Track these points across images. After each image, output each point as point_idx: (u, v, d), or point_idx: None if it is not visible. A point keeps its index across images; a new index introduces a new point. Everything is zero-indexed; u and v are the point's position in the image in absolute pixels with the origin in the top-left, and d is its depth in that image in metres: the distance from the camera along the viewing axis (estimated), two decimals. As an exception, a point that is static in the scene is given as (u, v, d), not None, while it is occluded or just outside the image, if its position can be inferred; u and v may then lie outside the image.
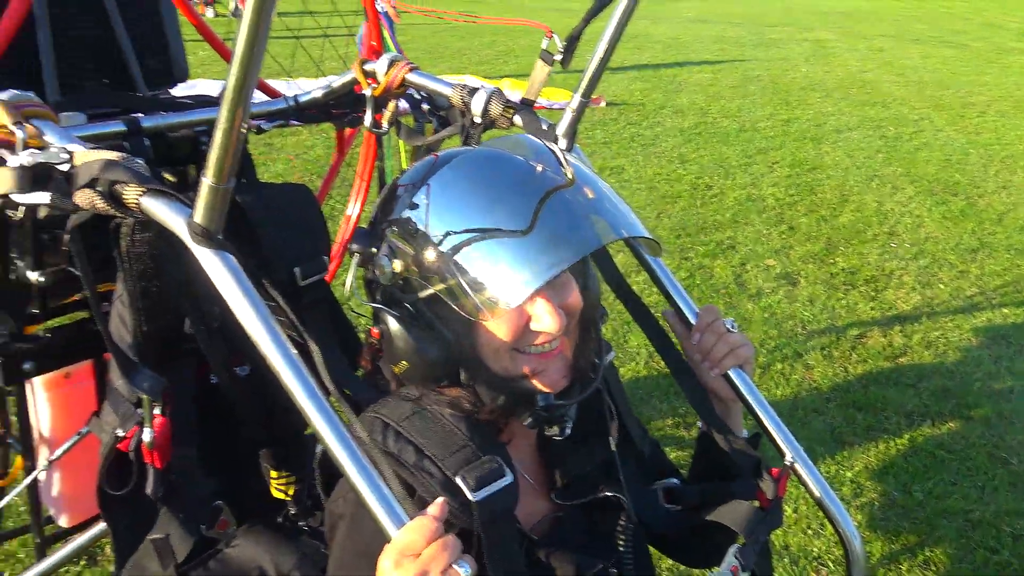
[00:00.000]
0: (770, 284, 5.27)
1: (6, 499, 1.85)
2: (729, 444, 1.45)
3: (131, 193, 1.06)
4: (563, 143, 1.53)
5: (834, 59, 15.10)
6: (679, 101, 10.82)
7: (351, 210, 2.84)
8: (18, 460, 2.00)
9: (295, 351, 1.00)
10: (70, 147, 1.11)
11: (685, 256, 5.65)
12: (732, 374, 1.45)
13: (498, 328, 1.16)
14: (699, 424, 1.56)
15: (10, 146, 1.17)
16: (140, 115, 1.65)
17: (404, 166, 2.36)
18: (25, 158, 1.08)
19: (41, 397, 1.91)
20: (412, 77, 1.73)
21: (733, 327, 1.47)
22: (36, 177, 1.08)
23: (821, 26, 20.53)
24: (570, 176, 1.18)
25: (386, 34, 2.47)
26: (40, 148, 1.14)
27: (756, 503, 1.42)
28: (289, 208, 1.64)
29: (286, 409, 1.64)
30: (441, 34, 16.23)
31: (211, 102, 1.89)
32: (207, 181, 0.96)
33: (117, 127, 1.60)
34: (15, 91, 1.23)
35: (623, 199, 1.26)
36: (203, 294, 1.39)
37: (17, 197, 1.09)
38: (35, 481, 1.89)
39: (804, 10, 24.37)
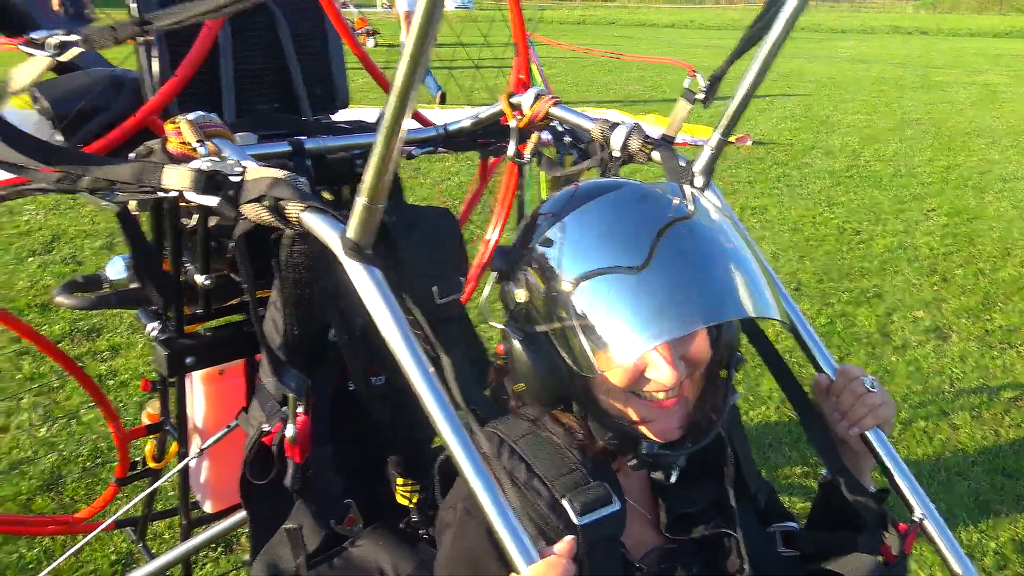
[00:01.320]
0: (918, 337, 5.01)
1: (160, 481, 2.01)
2: (854, 495, 1.40)
3: (293, 208, 1.16)
4: (699, 181, 1.55)
5: (1004, 104, 14.22)
6: (830, 142, 10.49)
7: (490, 235, 2.93)
8: (173, 447, 2.18)
9: (429, 364, 1.06)
10: (245, 163, 1.23)
11: (827, 302, 5.45)
12: (869, 433, 1.39)
13: (613, 372, 1.18)
14: (823, 472, 1.52)
15: (191, 160, 1.31)
16: (304, 138, 1.78)
17: (543, 195, 2.43)
18: (204, 163, 1.21)
19: (198, 390, 2.08)
20: (556, 111, 1.79)
21: (874, 385, 1.40)
22: (210, 182, 1.20)
23: (992, 69, 19.40)
24: (691, 209, 1.20)
25: (534, 68, 2.55)
26: (213, 158, 1.26)
27: (880, 558, 1.37)
28: (432, 230, 1.73)
29: (415, 419, 1.73)
30: (589, 68, 16.42)
31: (367, 127, 2.02)
32: (361, 200, 1.04)
33: (283, 148, 1.74)
34: (200, 112, 1.37)
35: (762, 248, 1.25)
36: (348, 305, 1.50)
37: (190, 195, 1.21)
38: (186, 467, 2.05)
39: (974, 52, 23.12)
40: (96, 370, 4.23)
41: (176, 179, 1.20)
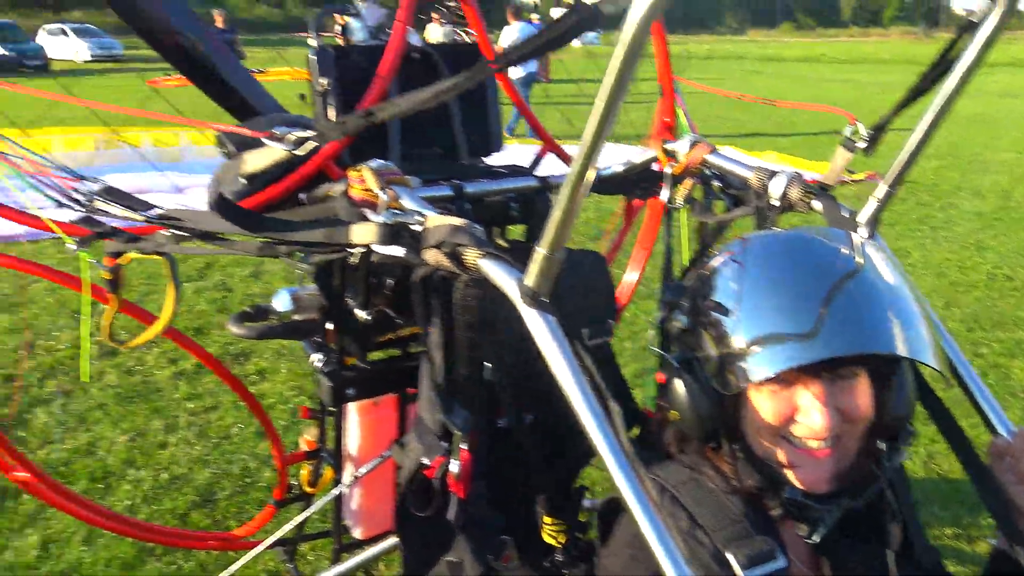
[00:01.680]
0: (1081, 393, 4.67)
1: (317, 506, 2.11)
2: None
3: (471, 255, 1.22)
4: (864, 232, 1.52)
5: None
6: (979, 182, 9.96)
7: (629, 276, 2.94)
8: (327, 473, 2.28)
9: (602, 409, 1.09)
10: (425, 212, 1.30)
11: (977, 352, 5.15)
12: None
13: (762, 405, 1.18)
14: (990, 540, 1.44)
15: (372, 206, 1.39)
16: (464, 182, 1.86)
17: (685, 239, 2.43)
18: (388, 217, 1.29)
19: (353, 420, 2.18)
20: (712, 158, 1.81)
21: None
22: (393, 233, 1.28)
23: None
24: (860, 261, 1.18)
25: (679, 111, 2.56)
26: (398, 210, 1.34)
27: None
28: (585, 274, 1.77)
29: (562, 459, 1.76)
30: (719, 103, 16.23)
31: (520, 171, 2.09)
32: (542, 250, 1.09)
33: (445, 192, 1.83)
34: (380, 161, 1.46)
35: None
36: (508, 346, 1.55)
37: (377, 248, 1.30)
38: (340, 494, 2.15)
39: None
40: (245, 393, 4.47)
41: (364, 235, 1.28)
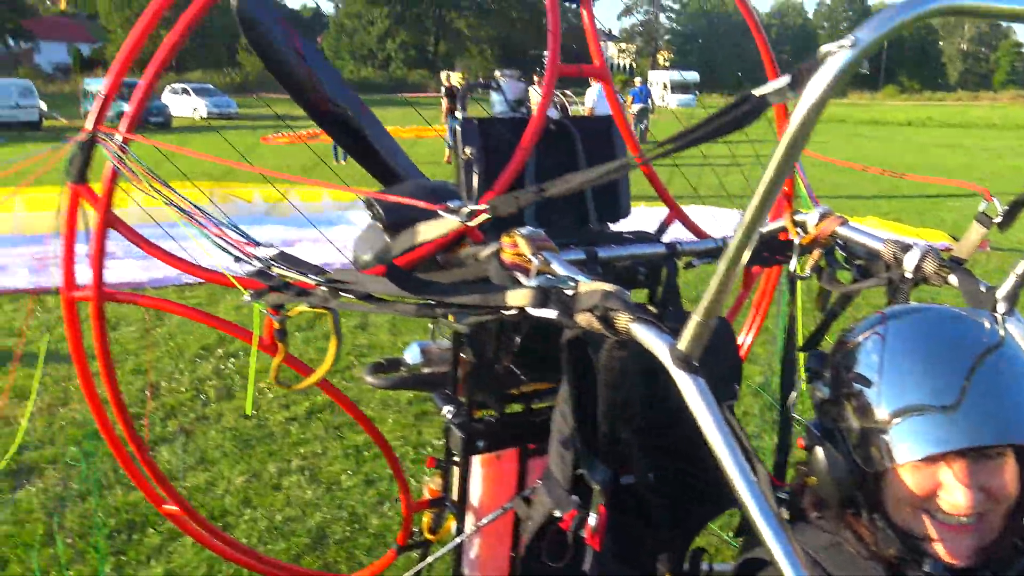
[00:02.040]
0: None
1: (440, 552, 2.19)
2: None
3: (623, 319, 1.30)
4: (1003, 307, 1.53)
5: None
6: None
7: (743, 339, 2.97)
8: (448, 522, 2.36)
9: (752, 472, 1.14)
10: (577, 277, 1.39)
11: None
12: None
13: (904, 480, 1.20)
14: None
15: (524, 270, 1.49)
16: (596, 247, 1.95)
17: (798, 304, 2.45)
18: (542, 281, 1.38)
19: (475, 471, 2.26)
20: (843, 230, 1.85)
21: None
22: (547, 297, 1.37)
23: None
24: (1002, 334, 1.20)
25: (799, 180, 2.61)
26: (549, 274, 1.44)
27: None
28: (713, 338, 1.82)
29: (687, 517, 1.79)
30: (816, 165, 16.01)
31: (647, 238, 2.17)
32: (697, 317, 1.16)
33: (579, 255, 1.91)
34: (531, 228, 1.56)
35: None
36: (639, 406, 1.61)
37: (531, 310, 1.39)
38: (461, 543, 2.22)
39: None
40: (354, 441, 4.62)
41: (519, 299, 1.38)
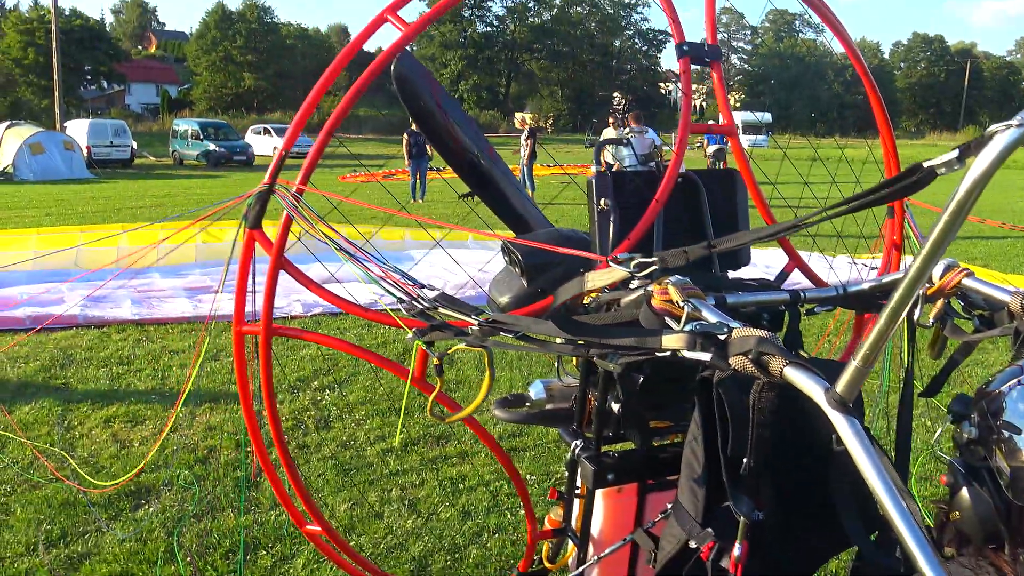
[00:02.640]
0: None
1: (563, 581, 2.31)
2: None
3: (776, 363, 1.41)
4: None
5: None
6: None
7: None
8: (568, 552, 2.48)
9: (911, 509, 1.24)
10: (731, 324, 1.52)
11: None
12: None
13: None
14: None
15: (674, 316, 1.62)
16: (724, 294, 2.07)
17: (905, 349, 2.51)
18: (696, 326, 1.51)
19: (597, 504, 2.37)
20: (969, 282, 1.93)
21: None
22: (700, 341, 1.50)
23: None
24: None
25: (910, 230, 2.69)
26: (700, 320, 1.56)
27: None
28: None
29: (811, 550, 1.87)
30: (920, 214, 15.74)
31: (769, 286, 2.28)
32: (855, 363, 1.27)
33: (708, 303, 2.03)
34: (679, 276, 1.69)
35: None
36: (774, 442, 1.72)
37: (686, 353, 1.51)
38: (582, 572, 2.33)
39: None
40: (448, 474, 4.77)
41: (675, 342, 1.51)
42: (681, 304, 1.61)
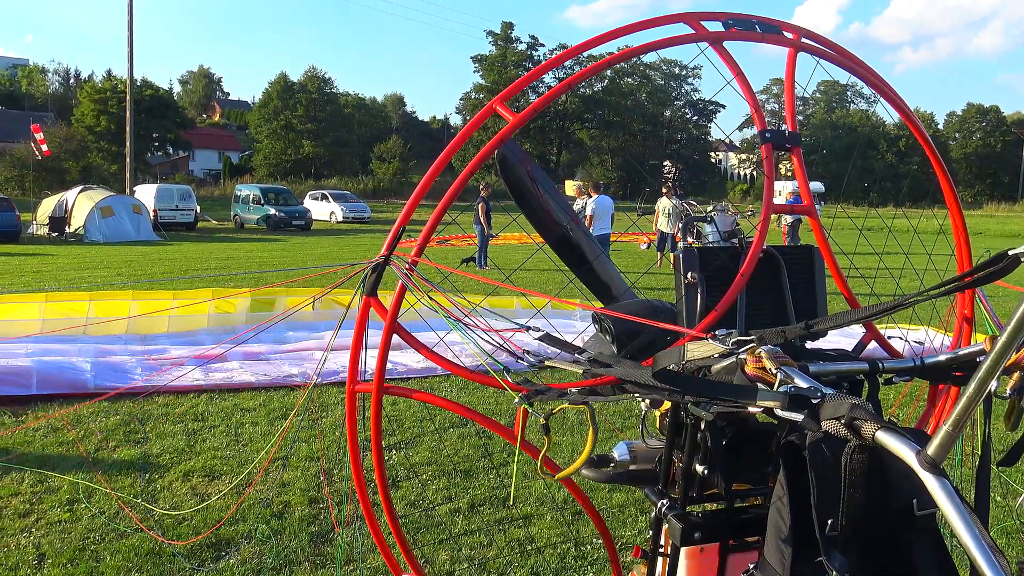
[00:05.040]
0: None
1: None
2: None
3: (869, 428, 1.54)
4: None
5: None
6: None
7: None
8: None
9: (1001, 566, 1.35)
10: (824, 390, 1.66)
11: None
12: None
13: None
14: None
15: (767, 383, 1.76)
16: (806, 363, 2.20)
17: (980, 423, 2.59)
18: (790, 389, 1.65)
19: (682, 562, 2.48)
20: (1045, 356, 2.03)
21: None
22: (796, 403, 1.64)
23: None
24: None
25: (983, 310, 2.79)
26: (793, 386, 1.70)
27: None
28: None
29: None
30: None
31: (846, 356, 2.40)
32: (946, 428, 1.40)
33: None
34: (770, 346, 1.84)
35: None
36: (862, 503, 1.83)
37: (780, 412, 1.65)
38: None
39: None
40: (515, 535, 4.86)
41: (769, 399, 1.65)
42: (774, 371, 1.76)
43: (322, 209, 42.74)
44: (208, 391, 7.76)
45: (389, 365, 8.23)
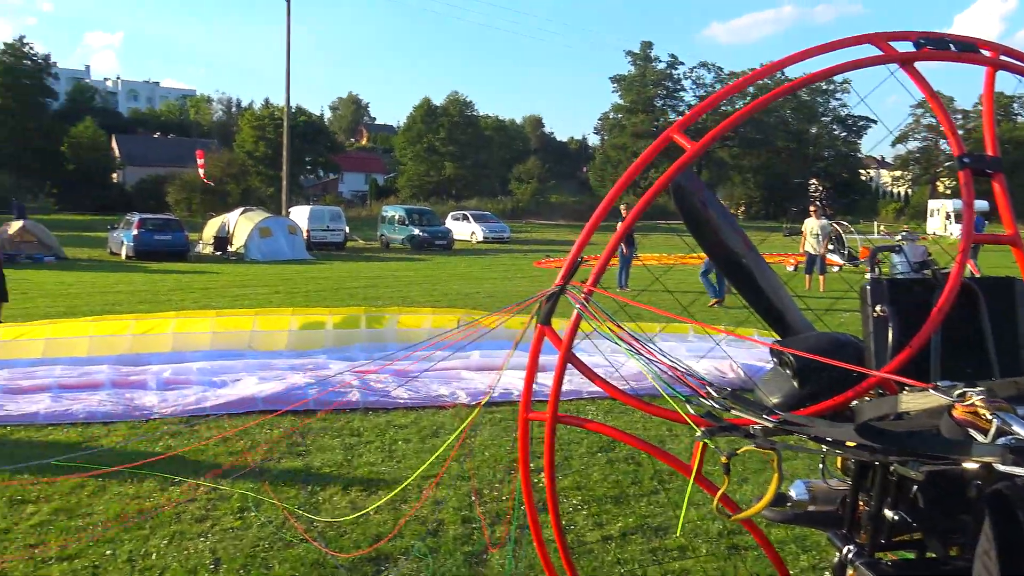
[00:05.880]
0: None
1: None
2: None
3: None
4: None
5: None
6: None
7: None
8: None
9: None
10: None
11: None
12: None
13: None
14: None
15: (982, 430, 1.65)
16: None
17: None
18: (1011, 441, 1.53)
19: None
20: None
21: None
22: (1017, 456, 1.52)
23: None
24: None
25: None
26: (1010, 434, 1.58)
27: None
28: None
29: None
30: None
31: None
32: None
33: None
34: (982, 388, 1.72)
35: None
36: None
37: (998, 466, 1.54)
38: None
39: None
40: (670, 567, 4.76)
41: (988, 453, 1.54)
42: (989, 417, 1.64)
43: (463, 229, 43.76)
44: (371, 408, 8.06)
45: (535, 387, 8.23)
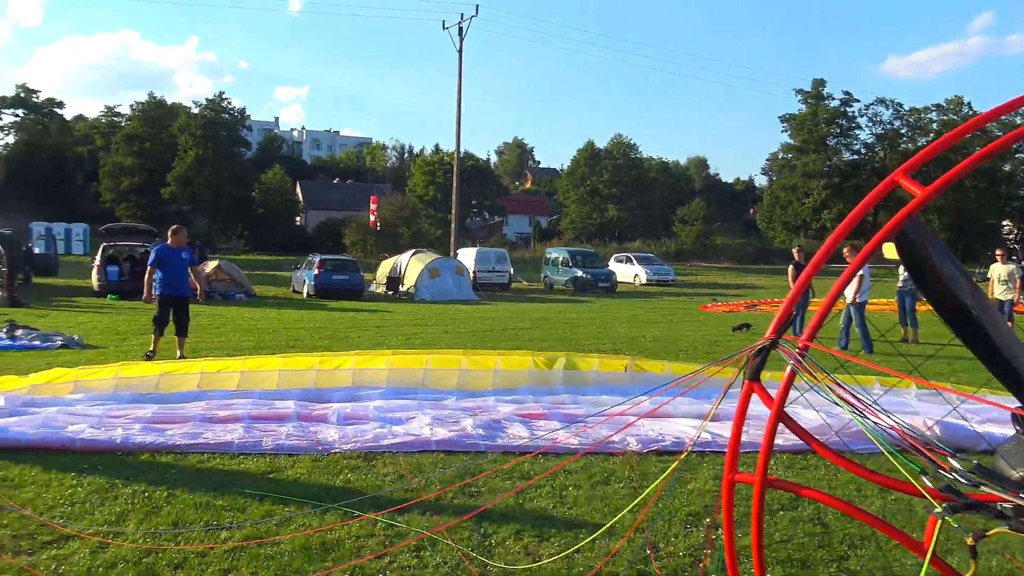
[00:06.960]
0: None
1: None
2: None
3: None
4: None
5: None
6: None
7: None
8: None
9: None
10: None
11: None
12: None
13: None
14: None
15: None
16: None
17: None
18: None
19: None
20: None
21: None
22: None
23: None
24: None
25: None
26: None
27: None
28: None
29: None
30: None
31: None
32: None
33: None
34: None
35: None
36: None
37: None
38: None
39: None
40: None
41: None
42: None
43: (626, 271, 43.51)
44: (542, 453, 8.04)
45: (707, 436, 7.99)
